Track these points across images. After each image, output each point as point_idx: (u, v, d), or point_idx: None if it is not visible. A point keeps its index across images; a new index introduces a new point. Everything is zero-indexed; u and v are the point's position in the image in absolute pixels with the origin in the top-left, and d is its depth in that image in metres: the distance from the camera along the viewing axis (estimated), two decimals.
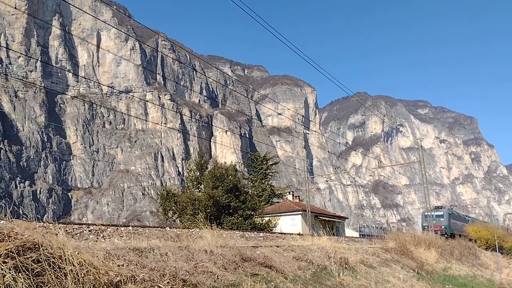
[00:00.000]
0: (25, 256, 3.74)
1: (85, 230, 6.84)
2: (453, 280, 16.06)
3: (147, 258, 5.62)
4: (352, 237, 17.90)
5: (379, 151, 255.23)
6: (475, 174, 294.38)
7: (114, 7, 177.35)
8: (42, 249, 3.95)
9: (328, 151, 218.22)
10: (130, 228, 7.72)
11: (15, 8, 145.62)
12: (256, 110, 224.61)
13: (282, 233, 14.80)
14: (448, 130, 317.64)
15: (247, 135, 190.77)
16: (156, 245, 6.40)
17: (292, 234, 14.59)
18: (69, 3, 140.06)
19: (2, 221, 4.22)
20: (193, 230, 8.94)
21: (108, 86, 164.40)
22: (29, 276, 3.54)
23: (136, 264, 5.10)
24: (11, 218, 4.24)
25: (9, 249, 3.62)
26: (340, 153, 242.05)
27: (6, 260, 3.46)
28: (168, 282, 5.01)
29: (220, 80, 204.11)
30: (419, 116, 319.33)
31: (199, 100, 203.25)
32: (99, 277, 4.33)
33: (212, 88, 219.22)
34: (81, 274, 4.10)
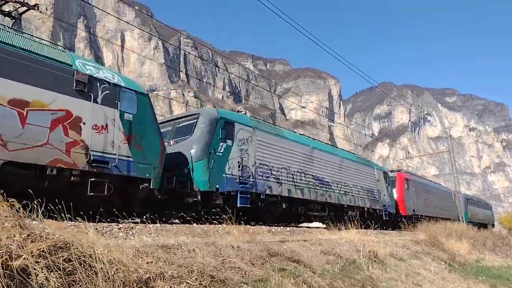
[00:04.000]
0: (57, 256, 3.82)
1: (114, 228, 6.95)
2: (487, 271, 15.64)
3: (175, 254, 5.67)
4: (380, 229, 18.02)
5: (406, 142, 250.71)
6: (507, 162, 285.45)
7: (137, 7, 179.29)
8: (73, 248, 4.03)
9: (354, 143, 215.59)
10: (158, 225, 7.81)
11: (41, 12, 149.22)
12: (280, 104, 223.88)
13: (309, 227, 14.74)
14: (478, 118, 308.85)
15: None
16: (184, 242, 6.45)
17: (319, 228, 14.52)
18: (93, 5, 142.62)
19: (34, 222, 4.33)
20: (219, 226, 8.98)
21: None
22: (61, 275, 3.62)
23: (165, 261, 5.16)
24: (42, 219, 4.34)
25: (41, 249, 3.71)
26: (366, 145, 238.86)
27: (38, 260, 3.54)
28: (196, 278, 5.04)
29: (242, 76, 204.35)
30: (447, 105, 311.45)
31: (222, 96, 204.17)
32: (128, 274, 4.40)
33: (235, 83, 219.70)
34: (111, 272, 4.17)
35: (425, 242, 16.41)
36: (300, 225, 16.55)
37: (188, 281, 4.87)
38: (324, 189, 16.41)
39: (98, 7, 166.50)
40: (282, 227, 12.69)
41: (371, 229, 15.76)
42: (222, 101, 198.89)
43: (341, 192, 17.74)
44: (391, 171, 28.51)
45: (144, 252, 5.17)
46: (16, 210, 3.94)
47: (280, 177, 13.95)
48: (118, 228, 7.21)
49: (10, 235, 3.71)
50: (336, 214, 17.08)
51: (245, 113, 14.99)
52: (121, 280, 4.19)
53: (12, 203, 3.94)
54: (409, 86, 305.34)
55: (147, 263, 4.89)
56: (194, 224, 9.17)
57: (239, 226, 9.37)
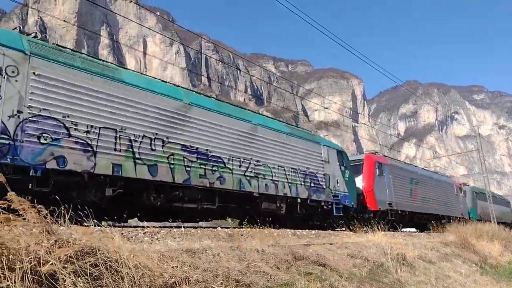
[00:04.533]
0: (84, 261, 3.86)
1: (140, 232, 7.00)
2: None
3: (200, 259, 5.66)
4: (408, 231, 17.56)
5: (433, 141, 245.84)
6: None
7: (158, 13, 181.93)
8: (99, 253, 4.07)
9: (379, 144, 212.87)
10: (183, 229, 7.84)
11: (65, 21, 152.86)
12: (302, 106, 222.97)
13: (334, 230, 14.55)
14: (508, 115, 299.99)
15: None
16: (208, 246, 6.45)
17: (345, 231, 14.32)
18: (115, 13, 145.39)
19: (62, 227, 4.38)
20: (244, 229, 8.96)
21: None
22: (88, 280, 3.65)
23: (190, 265, 5.16)
24: (69, 224, 4.40)
25: (68, 255, 3.75)
26: (392, 145, 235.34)
27: (66, 265, 3.58)
28: (221, 282, 5.02)
29: (264, 78, 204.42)
30: (475, 102, 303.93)
31: (244, 99, 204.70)
32: (154, 279, 4.41)
33: (256, 86, 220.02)
34: (137, 276, 4.18)
35: (455, 244, 16.00)
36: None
37: (213, 286, 4.85)
38: (208, 167, 10.66)
39: (121, 14, 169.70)
40: (307, 230, 12.57)
41: (398, 231, 15.52)
42: (244, 103, 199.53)
43: (247, 174, 11.84)
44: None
45: (169, 257, 5.19)
46: (44, 216, 4.00)
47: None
48: (144, 233, 7.26)
49: (38, 241, 3.77)
50: (237, 207, 11.84)
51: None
52: (147, 285, 4.20)
53: (39, 209, 3.99)
54: (435, 84, 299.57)
55: (172, 267, 4.90)
56: (218, 228, 9.17)
57: (263, 229, 9.33)
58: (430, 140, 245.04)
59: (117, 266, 4.04)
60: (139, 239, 7.04)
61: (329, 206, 15.28)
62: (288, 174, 13.49)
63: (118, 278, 3.97)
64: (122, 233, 6.38)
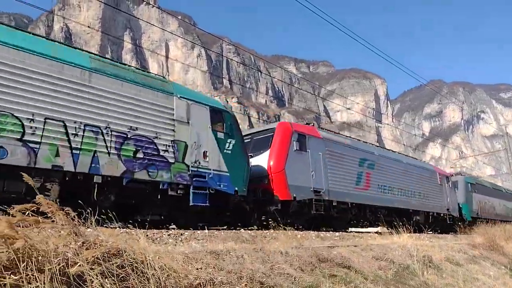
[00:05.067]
0: (110, 262, 3.92)
1: (164, 234, 7.08)
2: None
3: (224, 260, 5.68)
4: (360, 231, 16.09)
5: (459, 141, 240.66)
6: None
7: (179, 16, 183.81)
8: (126, 254, 4.12)
9: (404, 144, 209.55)
10: (206, 231, 7.88)
11: (89, 27, 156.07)
12: (324, 107, 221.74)
13: (358, 232, 14.40)
14: None
15: None
16: (232, 248, 6.47)
17: (369, 232, 14.16)
18: (138, 18, 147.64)
19: (89, 229, 4.47)
20: (267, 231, 8.94)
21: None
22: (115, 281, 3.70)
23: (214, 267, 5.18)
24: (96, 226, 4.48)
25: (96, 256, 3.81)
26: (417, 146, 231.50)
27: (93, 267, 3.64)
28: (245, 284, 5.03)
29: (285, 79, 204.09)
30: (502, 101, 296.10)
31: (266, 101, 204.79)
32: (179, 280, 4.45)
33: (277, 87, 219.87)
34: (162, 278, 4.23)
35: (483, 246, 15.61)
36: (353, 229, 16.64)
37: (238, 287, 4.86)
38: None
39: (143, 19, 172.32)
40: (331, 232, 12.49)
41: (424, 232, 15.15)
42: (265, 105, 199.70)
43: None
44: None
45: (193, 258, 5.22)
46: (71, 218, 4.08)
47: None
48: (168, 235, 7.34)
49: (66, 242, 3.84)
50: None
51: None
52: (172, 286, 4.24)
53: (67, 211, 4.08)
54: (460, 83, 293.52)
55: (197, 269, 4.92)
56: (242, 230, 9.19)
57: (286, 231, 9.30)
58: (456, 140, 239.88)
59: (143, 268, 4.09)
60: (163, 240, 7.12)
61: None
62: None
63: (144, 280, 4.02)
64: (147, 235, 6.46)
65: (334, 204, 14.09)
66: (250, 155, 12.45)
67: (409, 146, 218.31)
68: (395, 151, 22.69)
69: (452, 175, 26.22)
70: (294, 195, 12.57)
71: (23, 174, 4.46)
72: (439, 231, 21.42)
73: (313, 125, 15.83)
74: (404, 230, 11.85)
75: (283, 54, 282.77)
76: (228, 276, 5.04)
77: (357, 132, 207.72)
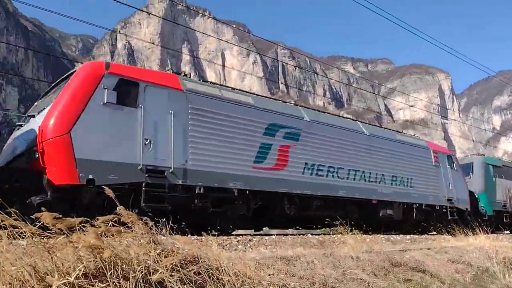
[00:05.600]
0: (187, 269, 4.05)
1: (233, 241, 7.20)
2: None
3: (295, 266, 5.68)
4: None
5: None
6: None
7: (234, 25, 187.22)
8: (201, 261, 4.24)
9: (473, 140, 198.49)
10: (274, 236, 7.93)
11: (150, 42, 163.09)
12: (385, 105, 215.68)
13: (431, 235, 13.79)
14: None
15: None
16: (302, 253, 6.45)
17: (442, 235, 13.51)
18: (195, 30, 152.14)
19: (163, 237, 4.65)
20: (335, 236, 8.84)
21: None
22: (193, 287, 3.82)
23: (286, 273, 5.20)
24: (171, 234, 4.66)
25: (174, 263, 3.96)
26: (487, 141, 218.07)
27: (172, 274, 3.79)
28: None
29: (342, 80, 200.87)
30: None
31: (324, 103, 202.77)
32: (253, 286, 4.51)
33: (335, 89, 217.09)
34: (237, 284, 4.30)
35: None
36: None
37: None
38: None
39: (199, 30, 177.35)
40: (402, 235, 12.08)
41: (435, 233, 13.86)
42: (323, 108, 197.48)
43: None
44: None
45: (264, 264, 5.27)
46: (150, 228, 4.28)
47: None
48: (237, 241, 7.46)
49: (146, 251, 4.03)
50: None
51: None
52: None
53: (145, 221, 4.28)
54: None
55: (269, 275, 4.96)
56: (309, 235, 9.14)
57: (355, 235, 9.12)
58: None
59: (218, 274, 4.20)
60: (233, 247, 7.25)
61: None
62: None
63: (220, 286, 4.12)
64: (218, 242, 6.62)
65: (199, 191, 9.14)
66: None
67: (479, 142, 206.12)
68: (368, 123, 16.86)
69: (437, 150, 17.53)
70: (90, 176, 7.76)
71: None
72: (432, 229, 14.94)
73: (185, 75, 10.68)
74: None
75: (340, 54, 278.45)
76: (300, 282, 5.03)
77: (421, 130, 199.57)
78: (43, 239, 3.74)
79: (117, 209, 4.31)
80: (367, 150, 13.55)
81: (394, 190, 14.08)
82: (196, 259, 4.34)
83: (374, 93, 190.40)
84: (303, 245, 7.75)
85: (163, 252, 4.16)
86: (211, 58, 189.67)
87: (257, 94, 13.33)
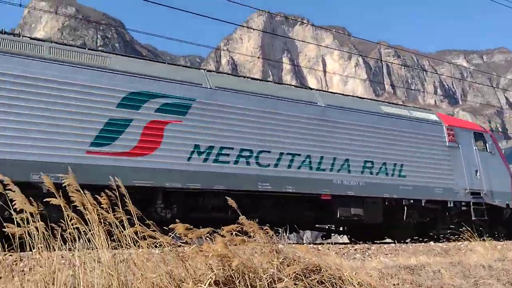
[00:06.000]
0: (310, 278, 4.07)
1: (350, 249, 7.09)
2: None
3: (420, 276, 5.41)
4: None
5: None
6: None
7: (333, 30, 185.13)
8: (323, 270, 4.24)
9: None
10: (393, 245, 7.63)
11: (252, 56, 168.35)
12: (506, 99, 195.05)
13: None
14: None
15: (499, 129, 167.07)
16: (426, 262, 6.12)
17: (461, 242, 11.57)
18: (294, 39, 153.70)
19: (280, 245, 4.74)
20: (461, 243, 8.21)
21: None
22: None
23: (411, 283, 4.97)
24: (287, 243, 4.73)
25: (296, 272, 4.01)
26: None
27: (296, 282, 3.85)
28: None
29: (455, 75, 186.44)
30: None
31: (435, 101, 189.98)
32: None
33: (447, 85, 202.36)
34: None
35: None
36: None
37: None
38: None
39: (298, 39, 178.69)
40: None
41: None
42: (435, 106, 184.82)
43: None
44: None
45: (387, 274, 5.10)
46: (270, 237, 4.40)
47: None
48: (354, 250, 7.32)
49: (269, 260, 4.15)
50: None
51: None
52: None
53: (266, 230, 4.42)
54: None
55: (394, 285, 4.79)
56: (431, 243, 8.62)
57: (484, 242, 8.41)
58: None
59: (341, 284, 4.16)
60: (350, 255, 7.13)
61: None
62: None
63: None
64: (334, 250, 6.56)
65: None
66: None
67: None
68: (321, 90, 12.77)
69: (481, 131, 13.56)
70: None
71: None
72: (434, 236, 10.89)
73: None
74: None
75: (450, 48, 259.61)
76: None
77: None
78: (176, 248, 4.08)
79: (239, 218, 4.52)
80: (319, 127, 10.07)
81: (366, 181, 10.23)
82: (318, 268, 4.35)
83: (492, 86, 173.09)
84: (426, 253, 7.34)
85: (285, 261, 4.25)
86: (311, 65, 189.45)
87: (121, 55, 10.17)
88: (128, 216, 4.36)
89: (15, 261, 4.90)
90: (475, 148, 12.26)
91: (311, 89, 11.97)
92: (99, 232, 4.17)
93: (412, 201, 10.62)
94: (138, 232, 4.16)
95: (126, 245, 4.17)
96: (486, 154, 12.52)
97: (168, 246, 4.09)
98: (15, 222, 4.23)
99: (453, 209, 11.32)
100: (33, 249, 4.13)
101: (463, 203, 11.46)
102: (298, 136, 9.64)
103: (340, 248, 7.12)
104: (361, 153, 10.29)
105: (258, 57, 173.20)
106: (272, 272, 4.01)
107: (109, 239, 4.13)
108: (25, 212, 4.20)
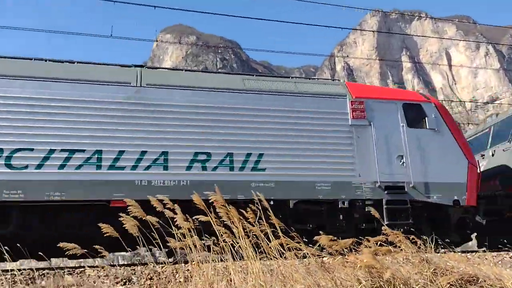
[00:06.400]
0: None
1: (505, 257, 6.51)
2: None
3: None
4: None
5: None
6: None
7: (456, 19, 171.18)
8: (480, 280, 4.00)
9: None
10: None
11: (368, 58, 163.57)
12: None
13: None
14: None
15: None
16: None
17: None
18: (412, 35, 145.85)
19: (429, 255, 4.57)
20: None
21: (470, 101, 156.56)
22: None
23: None
24: (442, 252, 4.55)
25: (451, 282, 3.85)
26: None
27: None
28: None
29: None
30: None
31: None
32: None
33: None
34: None
35: None
36: None
37: None
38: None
39: (417, 34, 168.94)
40: None
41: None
42: None
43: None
44: None
45: None
46: (418, 246, 4.28)
47: None
48: (510, 257, 6.67)
49: (419, 270, 4.03)
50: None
51: None
52: None
53: (413, 239, 4.30)
54: None
55: None
56: None
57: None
58: None
59: None
60: (505, 264, 6.52)
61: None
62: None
63: None
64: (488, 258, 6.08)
65: None
66: None
67: None
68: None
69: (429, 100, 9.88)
70: None
71: None
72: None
73: None
74: None
75: None
76: None
77: None
78: (320, 258, 4.19)
79: (383, 229, 4.47)
80: (129, 113, 7.57)
81: (193, 179, 7.51)
82: (474, 278, 4.10)
83: None
84: None
85: (436, 271, 4.09)
86: (434, 60, 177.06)
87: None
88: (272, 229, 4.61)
89: (172, 272, 5.48)
90: (402, 125, 8.94)
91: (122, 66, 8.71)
92: (245, 244, 4.48)
93: (272, 202, 6.70)
94: (283, 244, 4.37)
95: (274, 256, 4.40)
96: (424, 132, 9.12)
97: (313, 257, 4.22)
98: (175, 237, 4.77)
99: (350, 211, 8.21)
100: (191, 261, 4.60)
101: (370, 202, 8.24)
102: (74, 126, 7.20)
103: (493, 256, 6.57)
104: (189, 142, 7.74)
105: (375, 59, 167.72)
106: (424, 283, 3.89)
107: (256, 250, 4.41)
108: (184, 228, 4.71)
